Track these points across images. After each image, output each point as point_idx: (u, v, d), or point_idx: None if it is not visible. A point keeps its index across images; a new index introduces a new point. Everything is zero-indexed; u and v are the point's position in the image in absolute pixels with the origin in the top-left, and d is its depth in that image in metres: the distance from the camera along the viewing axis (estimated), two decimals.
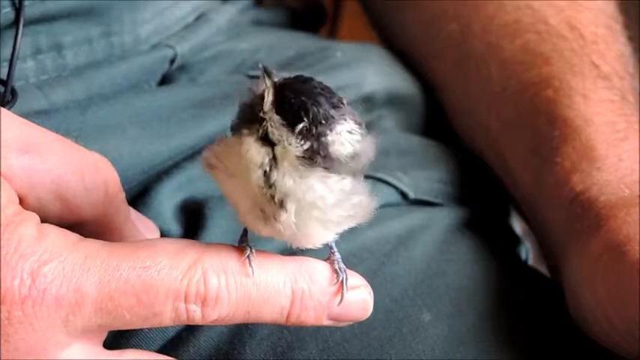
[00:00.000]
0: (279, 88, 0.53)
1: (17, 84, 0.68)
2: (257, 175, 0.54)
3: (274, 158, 0.54)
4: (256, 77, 0.76)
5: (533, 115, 0.74)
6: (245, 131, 0.54)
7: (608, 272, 0.64)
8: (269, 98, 0.54)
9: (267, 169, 0.53)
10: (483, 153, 0.80)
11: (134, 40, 0.75)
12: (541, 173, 0.72)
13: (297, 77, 0.54)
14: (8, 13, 0.67)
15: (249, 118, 0.55)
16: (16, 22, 0.67)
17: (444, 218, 0.75)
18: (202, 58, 0.79)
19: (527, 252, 0.82)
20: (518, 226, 0.83)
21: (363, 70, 0.81)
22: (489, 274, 0.72)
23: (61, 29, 0.71)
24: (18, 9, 0.67)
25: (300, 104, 0.53)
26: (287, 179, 0.54)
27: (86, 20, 0.72)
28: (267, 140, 0.54)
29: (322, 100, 0.53)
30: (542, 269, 0.77)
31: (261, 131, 0.54)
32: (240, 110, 0.56)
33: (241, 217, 0.56)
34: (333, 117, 0.53)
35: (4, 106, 0.64)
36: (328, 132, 0.53)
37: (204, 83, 0.78)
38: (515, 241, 0.81)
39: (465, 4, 0.82)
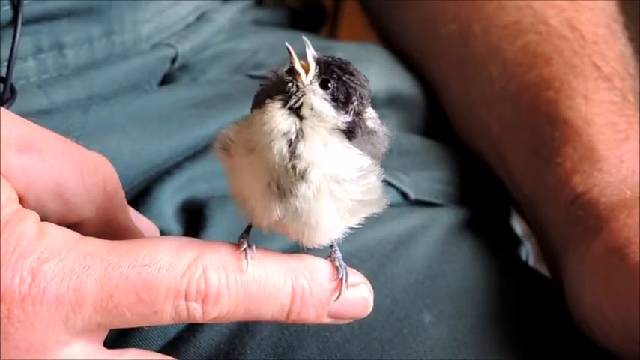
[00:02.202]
0: (325, 64, 0.55)
1: (18, 83, 0.68)
2: (281, 144, 0.54)
3: (300, 128, 0.54)
4: (258, 77, 0.77)
5: (534, 115, 0.74)
6: (269, 101, 0.55)
7: (608, 275, 0.64)
8: (312, 71, 0.55)
9: (293, 137, 0.54)
10: (484, 154, 0.80)
11: (135, 39, 0.75)
12: (542, 174, 0.72)
13: (337, 58, 0.56)
14: (8, 11, 0.67)
15: (272, 95, 0.55)
16: (14, 21, 0.66)
17: (444, 219, 0.76)
18: (203, 57, 0.79)
19: (528, 252, 0.82)
20: (518, 226, 0.83)
21: (364, 70, 0.80)
22: (490, 275, 0.72)
23: (62, 28, 0.71)
24: (16, 7, 0.67)
25: (351, 83, 0.55)
26: (315, 148, 0.54)
27: (87, 19, 0.72)
28: (292, 110, 0.55)
29: (364, 82, 0.56)
30: (543, 270, 0.77)
31: (289, 101, 0.55)
32: (261, 89, 0.57)
33: (251, 204, 0.56)
34: (368, 97, 0.56)
35: (3, 104, 0.64)
36: (365, 110, 0.56)
37: (205, 83, 0.78)
38: (516, 241, 0.81)
39: (465, 5, 0.82)
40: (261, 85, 0.57)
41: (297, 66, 0.55)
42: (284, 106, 0.55)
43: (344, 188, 0.55)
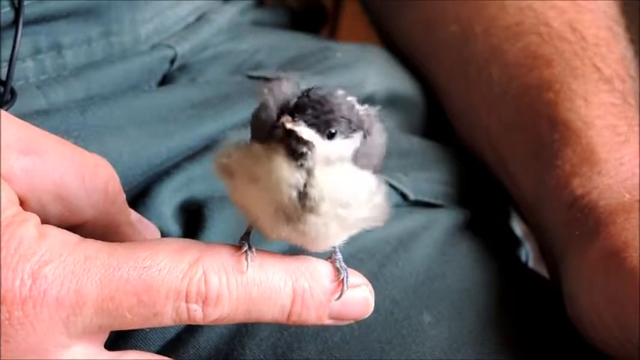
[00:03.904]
0: (308, 110, 0.53)
1: (17, 84, 0.68)
2: (289, 192, 0.53)
3: (307, 172, 0.53)
4: (257, 78, 0.77)
5: (534, 117, 0.74)
6: (272, 145, 0.54)
7: (606, 279, 0.64)
8: (300, 130, 0.53)
9: (302, 188, 0.53)
10: (484, 155, 0.80)
11: (134, 40, 0.75)
12: (541, 176, 0.72)
13: (305, 97, 0.53)
14: (8, 13, 0.67)
15: (269, 129, 0.54)
16: (15, 23, 0.66)
17: (444, 220, 0.75)
18: (202, 58, 0.79)
19: (528, 254, 0.82)
20: (518, 227, 0.83)
21: (364, 71, 0.81)
22: (490, 276, 0.72)
23: (60, 29, 0.71)
24: (17, 9, 0.66)
25: (339, 112, 0.53)
26: (326, 187, 0.53)
27: (86, 20, 0.72)
28: (294, 153, 0.53)
29: (351, 103, 0.54)
30: (543, 271, 0.77)
31: (289, 149, 0.53)
32: (256, 116, 0.56)
33: (255, 221, 0.56)
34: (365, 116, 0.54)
35: (2, 106, 0.64)
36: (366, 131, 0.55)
37: (204, 84, 0.77)
38: (516, 242, 0.81)
39: (466, 6, 0.81)
40: (256, 111, 0.56)
41: (306, 135, 0.53)
42: (289, 154, 0.53)
43: (350, 211, 0.55)
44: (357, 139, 0.54)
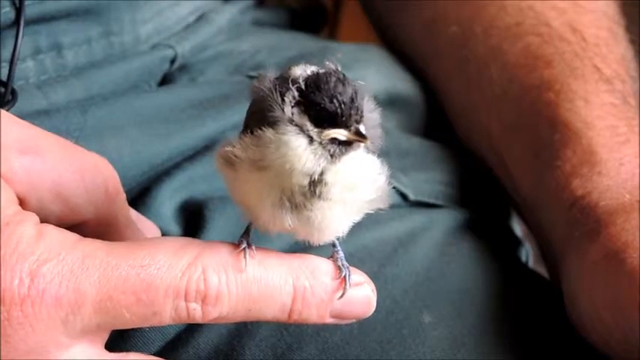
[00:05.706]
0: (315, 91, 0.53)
1: (17, 84, 0.68)
2: (303, 180, 0.53)
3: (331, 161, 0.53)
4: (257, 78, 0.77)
5: (534, 118, 0.74)
6: (290, 130, 0.54)
7: (605, 279, 0.63)
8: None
9: (317, 176, 0.53)
10: (484, 155, 0.80)
11: (134, 40, 0.75)
12: (541, 177, 0.72)
13: (334, 93, 0.53)
14: (8, 13, 0.67)
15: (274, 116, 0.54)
16: (16, 23, 0.66)
17: (444, 220, 0.75)
18: (203, 58, 0.79)
19: (528, 254, 0.82)
20: (518, 227, 0.83)
21: (364, 71, 0.81)
22: (490, 276, 0.72)
23: (60, 29, 0.71)
24: (18, 9, 0.67)
25: (347, 104, 0.53)
26: (339, 172, 0.54)
27: (86, 20, 0.73)
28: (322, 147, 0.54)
29: (346, 79, 0.54)
30: (543, 271, 0.77)
31: (309, 136, 0.53)
32: (261, 105, 0.56)
33: (256, 214, 0.56)
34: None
35: (3, 106, 0.64)
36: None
37: (204, 83, 0.78)
38: (516, 242, 0.81)
39: (466, 6, 0.81)
40: (255, 98, 0.56)
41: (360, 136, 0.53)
42: (310, 142, 0.53)
43: (356, 194, 0.55)
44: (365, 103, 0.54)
